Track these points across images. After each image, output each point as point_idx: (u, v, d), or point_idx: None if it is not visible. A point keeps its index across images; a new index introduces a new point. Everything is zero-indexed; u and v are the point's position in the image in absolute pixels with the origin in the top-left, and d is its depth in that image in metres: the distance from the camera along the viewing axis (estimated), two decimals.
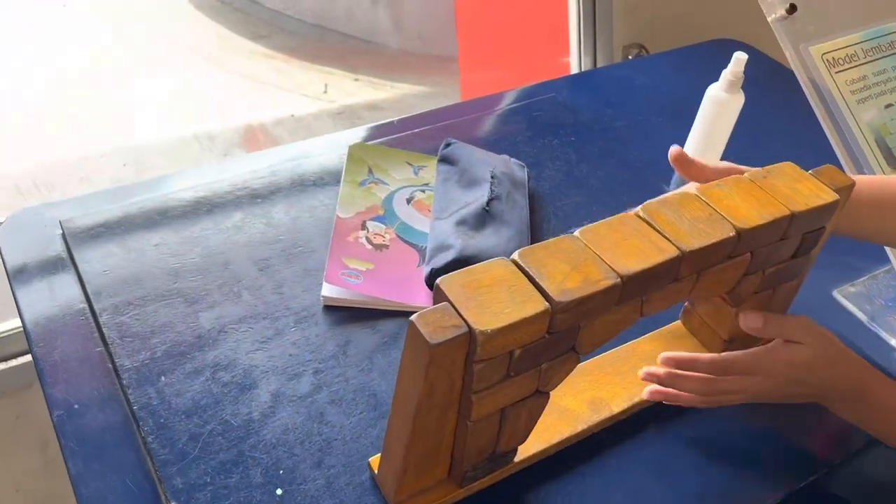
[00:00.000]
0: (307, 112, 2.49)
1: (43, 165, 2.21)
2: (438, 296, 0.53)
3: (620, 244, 0.57)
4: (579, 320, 0.55)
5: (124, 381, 0.69)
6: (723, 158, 1.06)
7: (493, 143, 1.03)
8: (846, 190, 0.68)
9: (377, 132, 1.04)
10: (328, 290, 0.78)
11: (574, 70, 1.56)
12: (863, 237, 0.74)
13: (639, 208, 0.61)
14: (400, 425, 0.56)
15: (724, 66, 0.96)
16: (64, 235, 0.83)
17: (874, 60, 0.90)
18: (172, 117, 2.27)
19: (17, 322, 1.18)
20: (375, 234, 0.85)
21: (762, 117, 1.07)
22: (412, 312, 0.77)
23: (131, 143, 2.23)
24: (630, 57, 1.55)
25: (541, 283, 0.53)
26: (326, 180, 0.94)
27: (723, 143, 1.04)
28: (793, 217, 0.63)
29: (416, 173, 0.95)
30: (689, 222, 0.60)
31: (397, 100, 2.60)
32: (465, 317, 0.51)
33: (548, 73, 1.79)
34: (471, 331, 0.50)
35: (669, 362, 0.68)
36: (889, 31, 0.91)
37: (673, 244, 0.58)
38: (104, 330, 0.73)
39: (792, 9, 0.84)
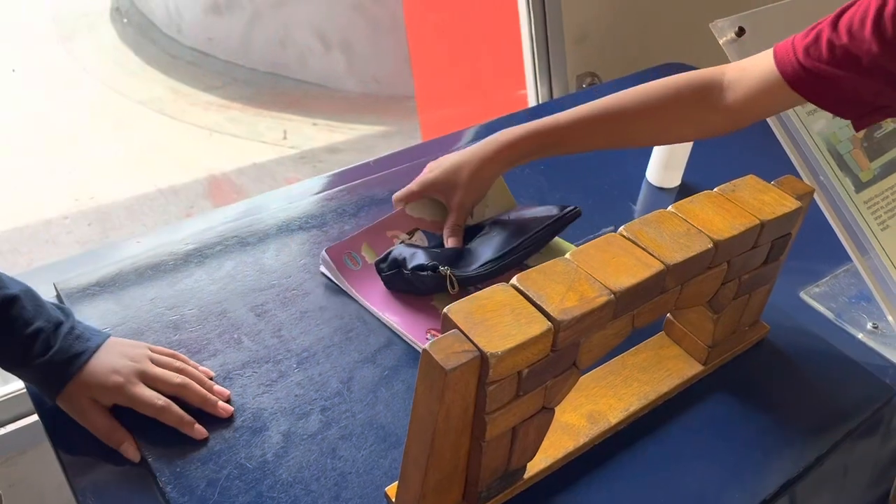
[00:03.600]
0: (268, 159, 2.52)
1: (4, 232, 2.19)
2: (447, 324, 0.56)
3: (609, 263, 0.61)
4: (579, 336, 0.58)
5: (134, 433, 0.70)
6: (684, 176, 1.12)
7: None
8: (806, 196, 0.74)
9: (352, 174, 1.08)
10: (324, 264, 0.87)
11: (532, 101, 1.62)
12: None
13: (622, 228, 0.65)
14: (417, 451, 0.59)
15: None
16: (59, 296, 0.85)
17: None
18: (133, 174, 2.28)
19: (5, 390, 1.17)
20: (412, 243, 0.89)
21: None
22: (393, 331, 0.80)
23: (94, 203, 2.23)
24: (584, 86, 1.62)
25: (541, 305, 0.56)
26: (312, 223, 0.97)
27: (684, 161, 1.10)
28: (762, 226, 0.68)
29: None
30: (669, 238, 0.65)
31: (357, 141, 2.64)
32: (476, 341, 0.54)
33: (505, 107, 1.84)
34: (482, 354, 0.53)
35: None
36: None
37: (657, 259, 0.62)
38: None
39: (741, 31, 0.90)
